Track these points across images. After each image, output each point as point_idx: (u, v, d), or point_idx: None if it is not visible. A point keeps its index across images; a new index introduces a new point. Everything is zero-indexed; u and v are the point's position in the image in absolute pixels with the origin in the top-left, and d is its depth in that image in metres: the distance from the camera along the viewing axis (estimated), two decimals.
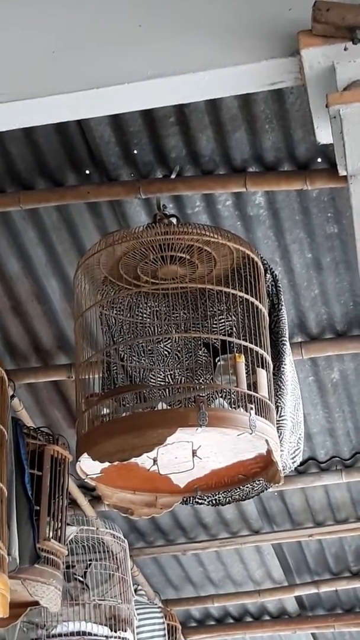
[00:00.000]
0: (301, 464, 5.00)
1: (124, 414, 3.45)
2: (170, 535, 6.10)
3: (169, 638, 5.71)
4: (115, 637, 4.82)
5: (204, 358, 3.76)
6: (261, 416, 3.38)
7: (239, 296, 3.57)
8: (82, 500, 5.32)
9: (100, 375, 3.78)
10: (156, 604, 6.10)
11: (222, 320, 3.71)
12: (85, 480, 3.61)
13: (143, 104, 3.13)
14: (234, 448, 3.48)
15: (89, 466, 3.50)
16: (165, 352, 3.81)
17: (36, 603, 4.19)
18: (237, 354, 3.45)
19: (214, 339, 3.66)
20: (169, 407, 3.44)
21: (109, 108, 3.12)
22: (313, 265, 4.25)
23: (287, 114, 3.60)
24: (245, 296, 3.56)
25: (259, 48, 2.88)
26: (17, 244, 4.11)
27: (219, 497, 3.80)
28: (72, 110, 3.08)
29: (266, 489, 3.77)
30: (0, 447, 3.83)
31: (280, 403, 3.67)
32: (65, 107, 3.04)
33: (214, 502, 3.82)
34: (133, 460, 3.43)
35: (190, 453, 3.48)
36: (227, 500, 3.81)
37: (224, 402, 3.46)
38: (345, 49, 2.78)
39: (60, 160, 3.77)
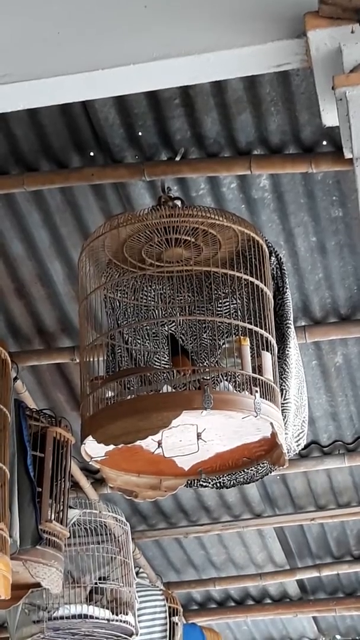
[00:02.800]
0: (304, 447, 4.99)
1: (128, 397, 3.45)
2: (173, 519, 6.11)
3: (170, 620, 5.72)
4: (116, 620, 4.84)
5: (208, 341, 3.76)
6: (266, 399, 3.38)
7: (244, 279, 3.57)
8: (85, 482, 5.33)
9: (105, 358, 3.78)
10: (158, 587, 6.12)
11: (227, 303, 3.70)
12: (90, 463, 3.61)
13: (148, 86, 3.11)
14: (239, 431, 3.48)
15: (94, 449, 3.50)
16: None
17: (38, 585, 4.20)
18: (242, 337, 3.45)
19: (219, 321, 3.66)
20: (173, 390, 3.44)
21: (114, 89, 3.11)
22: (317, 249, 4.24)
23: (292, 97, 3.58)
24: (250, 279, 3.55)
25: (264, 29, 2.86)
26: (21, 226, 4.10)
27: (224, 480, 3.81)
28: (77, 91, 3.06)
29: (270, 472, 3.77)
30: (3, 429, 3.84)
31: (284, 386, 3.67)
32: (70, 89, 3.03)
33: (218, 485, 3.82)
34: (138, 443, 3.43)
35: (194, 436, 3.48)
36: (232, 483, 3.81)
37: (229, 385, 3.46)
38: (352, 31, 2.76)
39: (65, 142, 3.75)
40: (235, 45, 2.89)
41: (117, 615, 4.87)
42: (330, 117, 2.98)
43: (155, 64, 2.93)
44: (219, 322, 3.67)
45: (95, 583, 4.94)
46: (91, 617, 4.79)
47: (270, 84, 3.54)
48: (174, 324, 3.80)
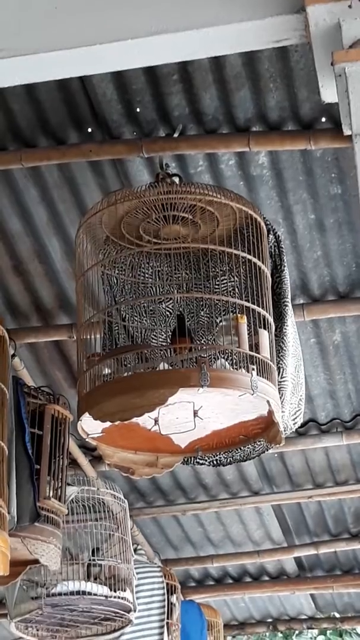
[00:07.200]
0: (302, 425, 5.01)
1: (125, 374, 3.44)
2: (170, 496, 6.13)
3: (168, 597, 5.74)
4: (114, 597, 4.85)
5: (205, 319, 3.75)
6: (263, 377, 3.37)
7: (242, 257, 3.55)
8: (83, 460, 5.34)
9: (102, 335, 3.77)
10: (156, 564, 6.13)
11: (225, 281, 3.69)
12: (87, 439, 3.61)
13: (146, 61, 3.08)
14: (235, 409, 3.48)
15: (90, 426, 3.50)
16: (167, 313, 3.80)
17: (36, 561, 4.20)
18: (239, 315, 3.44)
19: (217, 299, 3.65)
20: (170, 368, 3.43)
21: (112, 65, 3.09)
22: (316, 227, 4.23)
23: (291, 73, 3.56)
24: (248, 257, 3.54)
25: (264, 4, 2.84)
26: (18, 202, 4.09)
27: (220, 458, 3.81)
28: (74, 66, 3.04)
29: (267, 450, 3.78)
30: (1, 406, 3.83)
31: (281, 364, 3.67)
32: (68, 64, 3.00)
33: (214, 462, 3.83)
34: (134, 420, 3.43)
35: (191, 413, 3.48)
36: (228, 460, 3.81)
37: (226, 362, 3.45)
38: (351, 6, 2.74)
39: (62, 118, 3.74)
40: (234, 20, 2.86)
41: (115, 591, 4.88)
42: (329, 94, 2.96)
43: (154, 38, 2.90)
44: (217, 299, 3.66)
45: (92, 555, 4.95)
46: (89, 593, 4.80)
47: (269, 59, 3.52)
48: (171, 301, 3.79)
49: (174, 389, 3.27)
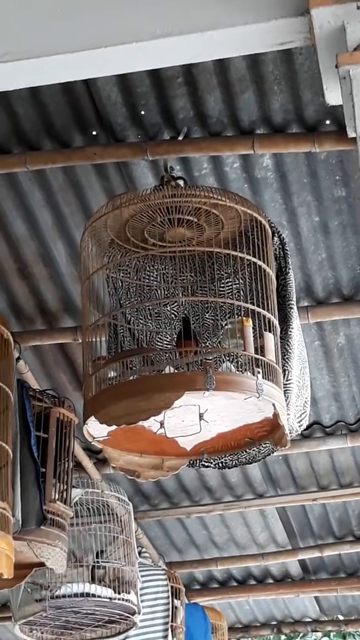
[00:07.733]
0: (306, 428, 4.99)
1: (131, 378, 3.44)
2: (175, 499, 6.12)
3: (172, 600, 5.74)
4: (118, 599, 4.85)
5: (210, 321, 3.75)
6: (268, 380, 3.37)
7: (247, 259, 3.56)
8: (88, 463, 5.34)
9: (107, 338, 3.77)
10: (160, 567, 6.13)
11: (229, 284, 3.69)
12: (92, 443, 3.61)
13: (151, 64, 3.09)
14: (241, 411, 3.48)
15: (96, 429, 3.51)
16: (172, 315, 3.80)
17: (42, 564, 4.20)
18: (244, 318, 3.44)
19: (221, 302, 3.65)
20: (176, 371, 3.43)
21: (116, 68, 3.08)
22: (320, 229, 4.23)
23: (295, 75, 3.56)
24: (253, 259, 3.54)
25: (268, 7, 2.83)
26: (23, 205, 4.09)
27: (226, 460, 3.81)
28: (79, 69, 3.04)
29: (272, 453, 3.77)
30: (6, 409, 3.83)
31: (287, 367, 3.67)
32: (72, 67, 3.00)
33: (220, 465, 3.82)
34: (140, 423, 3.43)
35: (197, 416, 3.48)
36: (234, 463, 3.81)
37: (231, 365, 3.46)
38: (357, 8, 2.74)
39: (67, 121, 3.74)
40: (238, 23, 2.86)
41: (119, 594, 4.88)
42: (333, 96, 2.95)
43: (158, 41, 2.90)
44: (222, 302, 3.66)
45: (97, 558, 4.95)
46: (93, 595, 4.80)
47: (273, 62, 3.52)
48: (176, 304, 3.79)
49: (180, 392, 3.27)
